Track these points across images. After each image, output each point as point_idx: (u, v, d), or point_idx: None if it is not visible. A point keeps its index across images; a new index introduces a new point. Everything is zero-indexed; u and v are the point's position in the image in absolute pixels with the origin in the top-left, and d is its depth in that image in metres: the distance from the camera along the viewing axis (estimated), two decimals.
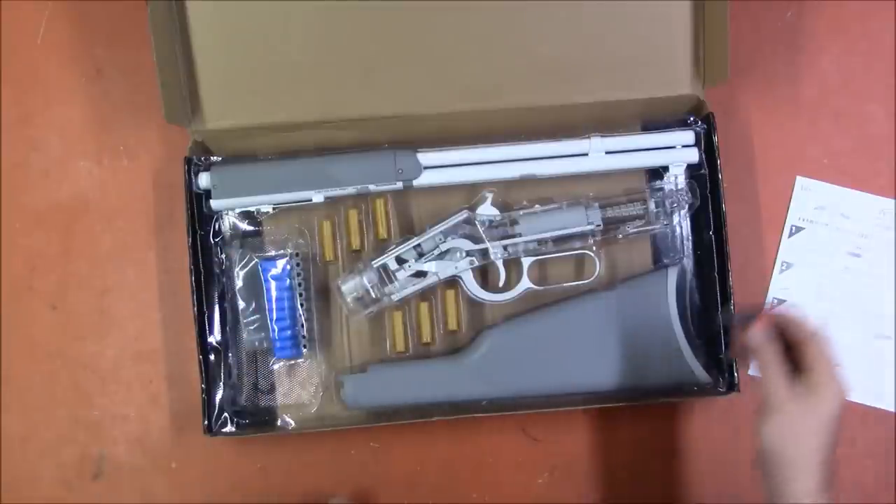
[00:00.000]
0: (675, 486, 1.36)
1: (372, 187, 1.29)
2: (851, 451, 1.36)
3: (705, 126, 1.31)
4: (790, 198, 1.38)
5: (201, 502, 1.38)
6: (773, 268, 1.37)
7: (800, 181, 1.38)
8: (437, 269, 1.28)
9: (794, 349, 1.15)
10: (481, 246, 1.29)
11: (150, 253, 1.38)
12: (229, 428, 1.31)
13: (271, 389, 1.34)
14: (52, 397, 1.38)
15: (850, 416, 1.36)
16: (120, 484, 1.38)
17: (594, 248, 1.31)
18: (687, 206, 1.32)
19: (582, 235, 1.30)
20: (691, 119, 1.33)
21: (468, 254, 1.29)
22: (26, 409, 1.38)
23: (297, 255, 1.31)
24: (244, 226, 1.33)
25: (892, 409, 1.36)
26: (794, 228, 1.37)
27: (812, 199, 1.37)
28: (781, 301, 1.37)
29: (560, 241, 1.30)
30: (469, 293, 1.31)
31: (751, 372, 1.36)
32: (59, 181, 1.39)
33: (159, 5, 1.21)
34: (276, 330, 1.31)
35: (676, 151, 1.32)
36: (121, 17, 1.38)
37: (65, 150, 1.39)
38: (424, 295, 1.33)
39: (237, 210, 1.31)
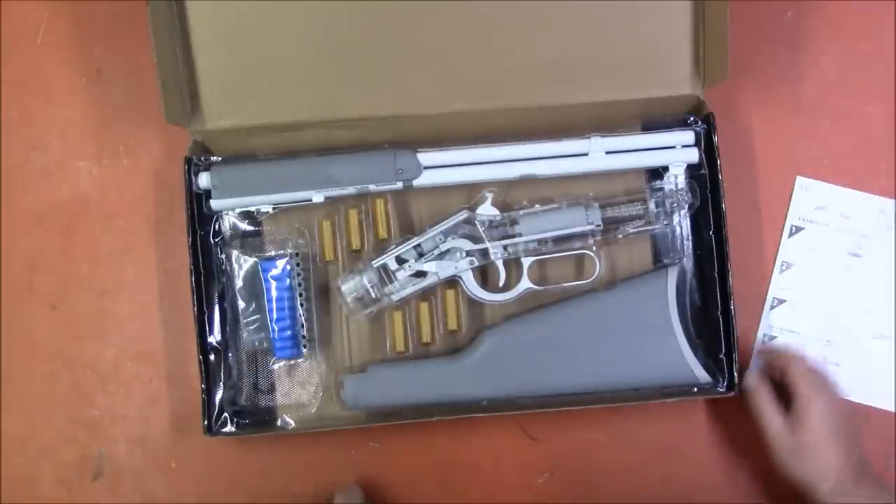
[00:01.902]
0: (676, 486, 1.37)
1: (372, 187, 1.29)
2: None
3: (705, 126, 1.31)
4: (790, 198, 1.38)
5: (201, 502, 1.38)
6: (773, 268, 1.37)
7: (800, 181, 1.38)
8: (437, 269, 1.28)
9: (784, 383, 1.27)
10: (481, 246, 1.29)
11: (150, 253, 1.38)
12: (229, 428, 1.31)
13: (271, 389, 1.34)
14: (52, 397, 1.38)
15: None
16: (120, 484, 1.38)
17: (594, 247, 1.31)
18: (687, 206, 1.32)
19: (582, 235, 1.30)
20: (691, 119, 1.33)
21: (468, 254, 1.29)
22: (26, 409, 1.38)
23: (297, 255, 1.31)
24: (244, 226, 1.33)
25: (892, 409, 1.36)
26: (794, 228, 1.37)
27: (812, 199, 1.37)
28: (781, 301, 1.37)
29: (560, 240, 1.30)
30: (469, 293, 1.31)
31: (751, 371, 1.36)
32: (59, 181, 1.39)
33: (159, 5, 1.21)
34: (276, 330, 1.30)
35: (676, 151, 1.32)
36: (121, 17, 1.38)
37: (65, 150, 1.39)
38: (424, 295, 1.32)
39: (237, 210, 1.31)
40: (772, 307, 1.37)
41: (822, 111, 1.39)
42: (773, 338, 1.37)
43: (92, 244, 1.39)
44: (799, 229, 1.37)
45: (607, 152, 1.31)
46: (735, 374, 1.29)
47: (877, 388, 1.36)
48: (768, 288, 1.38)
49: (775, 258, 1.38)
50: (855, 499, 1.20)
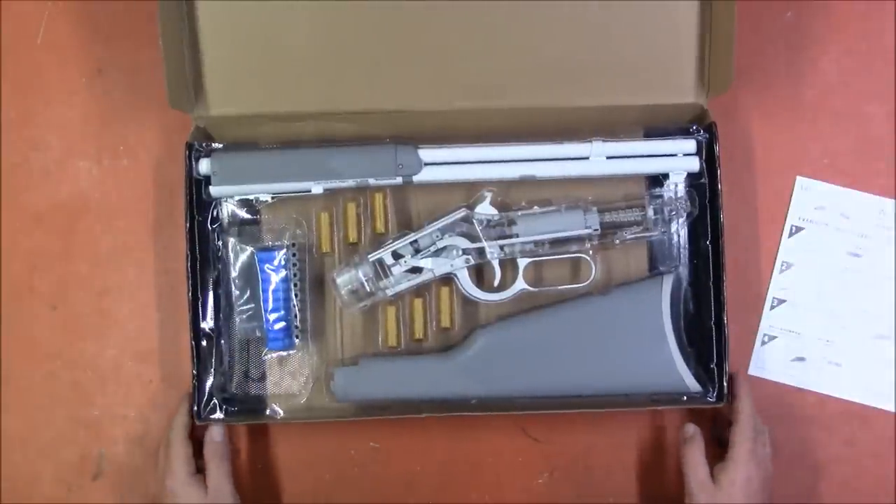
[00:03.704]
0: (675, 487, 1.36)
1: (371, 181, 1.30)
2: (851, 451, 1.36)
3: (707, 135, 1.31)
4: (790, 198, 1.38)
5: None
6: (773, 268, 1.37)
7: (800, 181, 1.38)
8: (432, 266, 1.28)
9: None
10: (478, 245, 1.29)
11: (150, 253, 1.39)
12: (218, 415, 1.31)
13: (262, 378, 1.34)
14: (52, 397, 1.38)
15: (850, 416, 1.36)
16: (120, 484, 1.39)
17: (591, 252, 1.31)
18: (685, 215, 1.32)
19: (579, 239, 1.30)
20: (693, 128, 1.33)
21: (464, 252, 1.29)
22: (26, 409, 1.38)
23: (293, 245, 1.32)
24: (242, 214, 1.33)
25: (892, 409, 1.36)
26: (794, 228, 1.37)
27: (812, 199, 1.37)
28: (781, 301, 1.37)
29: (557, 243, 1.30)
30: (464, 291, 1.31)
31: (750, 372, 1.36)
32: (59, 181, 1.39)
33: None
34: (270, 320, 1.31)
35: (677, 159, 1.32)
36: (121, 17, 1.39)
37: (65, 150, 1.40)
38: (419, 291, 1.33)
39: (236, 198, 1.32)
40: (772, 307, 1.37)
41: (822, 111, 1.39)
42: (773, 338, 1.37)
43: (92, 244, 1.39)
44: (799, 229, 1.37)
45: (608, 157, 1.31)
46: (725, 385, 1.28)
47: (877, 388, 1.36)
48: (768, 288, 1.38)
49: (775, 258, 1.37)
50: None
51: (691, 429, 1.29)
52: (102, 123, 1.40)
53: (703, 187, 1.31)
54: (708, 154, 1.31)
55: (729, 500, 1.23)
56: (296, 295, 1.32)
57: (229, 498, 1.28)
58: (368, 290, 1.28)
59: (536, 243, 1.30)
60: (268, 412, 1.34)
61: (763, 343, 1.37)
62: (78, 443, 1.38)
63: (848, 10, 1.40)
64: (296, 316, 1.31)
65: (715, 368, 1.29)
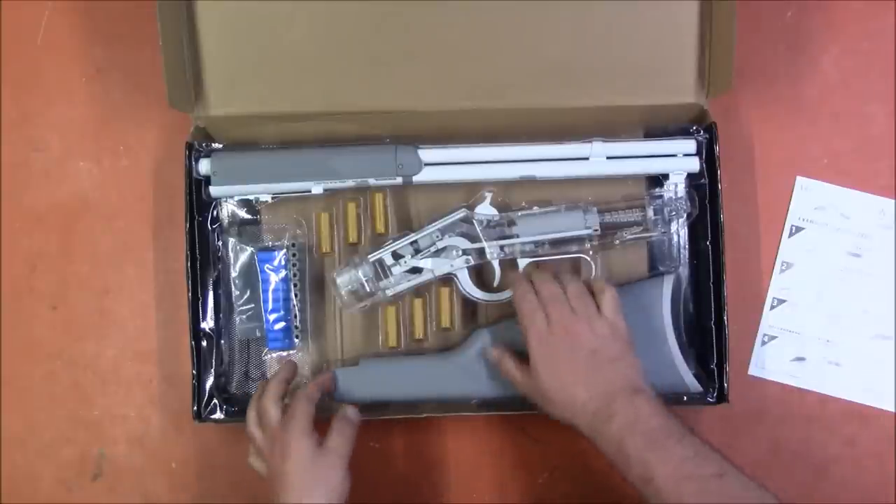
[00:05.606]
0: None
1: (371, 181, 1.30)
2: (851, 451, 1.36)
3: (707, 136, 1.31)
4: (790, 198, 1.38)
5: (201, 502, 1.38)
6: (773, 268, 1.37)
7: (800, 181, 1.38)
8: (432, 266, 1.28)
9: None
10: (478, 245, 1.28)
11: (150, 253, 1.39)
12: (218, 415, 1.31)
13: (262, 378, 1.34)
14: (52, 397, 1.38)
15: (850, 416, 1.36)
16: (120, 484, 1.38)
17: (591, 252, 1.31)
18: (685, 215, 1.32)
19: (579, 239, 1.29)
20: (694, 128, 1.32)
21: (464, 252, 1.28)
22: (26, 409, 1.38)
23: (293, 245, 1.32)
24: (242, 214, 1.33)
25: (892, 409, 1.35)
26: (794, 228, 1.37)
27: (812, 199, 1.37)
28: (781, 301, 1.37)
29: (557, 243, 1.30)
30: (464, 291, 1.30)
31: (751, 372, 1.36)
32: (59, 181, 1.39)
33: None
34: (270, 320, 1.31)
35: (677, 160, 1.32)
36: (120, 17, 1.39)
37: (65, 150, 1.40)
38: (419, 291, 1.33)
39: (236, 198, 1.31)
40: (772, 307, 1.37)
41: (822, 111, 1.39)
42: (773, 338, 1.37)
43: (92, 244, 1.39)
44: (799, 229, 1.37)
45: (608, 157, 1.31)
46: (725, 385, 1.28)
47: (877, 388, 1.36)
48: (768, 288, 1.37)
49: (775, 258, 1.37)
50: (609, 433, 1.13)
51: (493, 352, 1.26)
52: (102, 123, 1.40)
53: (703, 187, 1.31)
54: (708, 154, 1.31)
55: (545, 384, 1.18)
56: (296, 295, 1.32)
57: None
58: (368, 290, 1.28)
59: (536, 244, 1.29)
60: None
61: (763, 343, 1.37)
62: (78, 443, 1.38)
63: (848, 10, 1.40)
64: (296, 316, 1.32)
65: (715, 368, 1.29)
